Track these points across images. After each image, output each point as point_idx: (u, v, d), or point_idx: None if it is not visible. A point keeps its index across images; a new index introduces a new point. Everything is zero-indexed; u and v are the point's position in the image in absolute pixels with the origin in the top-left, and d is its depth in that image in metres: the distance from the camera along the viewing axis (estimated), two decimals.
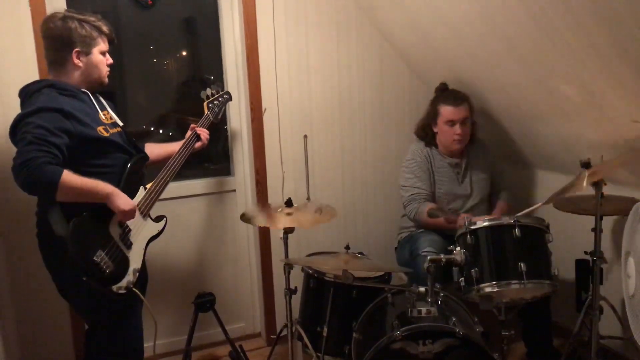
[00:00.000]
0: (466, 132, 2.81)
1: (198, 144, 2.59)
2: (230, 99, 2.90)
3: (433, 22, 2.69)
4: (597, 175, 2.17)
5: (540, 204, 2.40)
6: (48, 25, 2.06)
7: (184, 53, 3.10)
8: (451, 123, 2.79)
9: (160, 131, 3.10)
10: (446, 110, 2.80)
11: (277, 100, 3.01)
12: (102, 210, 1.99)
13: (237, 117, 3.09)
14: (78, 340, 2.75)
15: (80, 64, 2.09)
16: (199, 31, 3.08)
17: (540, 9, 2.04)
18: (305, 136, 3.11)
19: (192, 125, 2.62)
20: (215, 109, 2.74)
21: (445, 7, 2.49)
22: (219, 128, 3.08)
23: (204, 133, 2.62)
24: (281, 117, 3.04)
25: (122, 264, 2.05)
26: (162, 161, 2.42)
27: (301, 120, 3.09)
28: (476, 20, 2.40)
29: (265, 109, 2.99)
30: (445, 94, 2.89)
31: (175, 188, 2.93)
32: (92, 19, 2.11)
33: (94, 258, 1.92)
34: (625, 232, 1.98)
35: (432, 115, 2.88)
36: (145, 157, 2.29)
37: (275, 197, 3.07)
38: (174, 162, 2.39)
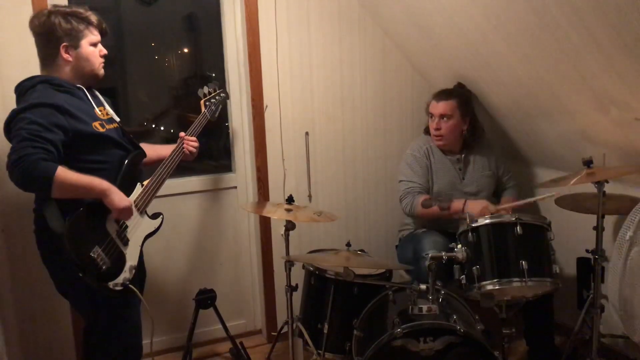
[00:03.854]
0: (447, 128, 2.82)
1: (186, 156, 2.47)
2: (227, 97, 2.89)
3: (436, 19, 2.68)
4: (595, 175, 2.16)
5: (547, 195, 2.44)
6: (34, 23, 2.06)
7: (186, 50, 3.10)
8: (431, 116, 2.87)
9: (162, 128, 3.10)
10: (430, 104, 2.89)
11: (279, 97, 3.01)
12: (98, 206, 1.98)
13: (239, 113, 3.08)
14: (78, 337, 2.75)
15: (70, 59, 2.07)
16: (201, 28, 3.08)
17: (543, 6, 2.03)
18: (307, 133, 3.11)
19: (181, 134, 2.50)
20: (212, 107, 2.72)
21: (448, 4, 2.49)
22: (220, 125, 3.08)
23: (191, 147, 2.48)
24: (283, 114, 3.03)
25: (119, 260, 2.05)
26: (152, 163, 2.38)
27: (303, 117, 3.09)
28: (478, 17, 2.40)
29: (266, 106, 2.99)
30: (439, 90, 2.92)
31: (176, 185, 2.93)
32: (80, 10, 2.08)
33: (91, 254, 1.92)
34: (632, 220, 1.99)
35: (427, 110, 2.94)
36: (143, 153, 2.26)
37: (276, 194, 3.07)
38: (170, 160, 2.37)
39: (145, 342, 2.29)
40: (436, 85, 3.12)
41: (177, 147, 2.44)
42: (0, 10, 2.44)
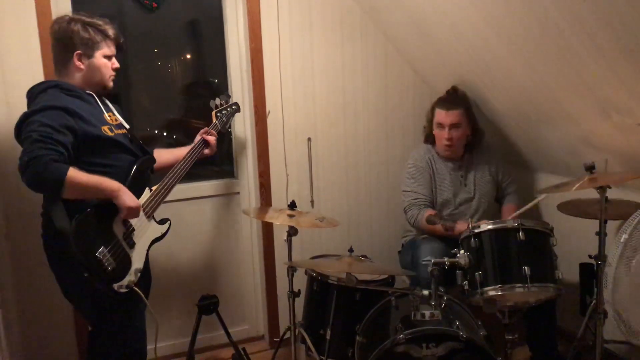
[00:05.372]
0: (457, 137, 2.82)
1: (206, 151, 2.61)
2: (238, 110, 2.91)
3: (438, 25, 2.69)
4: (597, 181, 2.16)
5: (537, 199, 2.48)
6: (54, 28, 2.11)
7: (189, 56, 3.11)
8: (441, 126, 2.83)
9: (165, 134, 3.11)
10: (438, 114, 2.85)
11: (281, 103, 3.02)
12: (106, 207, 2.00)
13: (241, 119, 3.09)
14: (82, 341, 2.75)
15: (82, 66, 2.11)
16: (204, 34, 3.09)
17: (544, 11, 2.03)
18: (309, 139, 3.11)
19: (201, 131, 2.64)
20: (224, 118, 2.76)
21: (450, 10, 2.49)
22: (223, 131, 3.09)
23: (212, 140, 2.63)
24: (285, 120, 3.04)
25: (124, 262, 2.06)
26: (172, 166, 2.43)
27: (305, 123, 3.09)
28: (480, 22, 2.40)
29: (269, 112, 3.00)
30: (443, 97, 2.92)
31: (179, 190, 2.91)
32: (99, 22, 2.14)
33: (97, 254, 1.93)
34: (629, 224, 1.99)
35: (429, 119, 2.92)
36: (152, 159, 2.30)
37: (279, 199, 3.07)
38: (181, 166, 2.41)
39: (149, 347, 2.29)
40: (438, 91, 3.12)
41: (195, 144, 2.53)
42: (4, 17, 2.46)
